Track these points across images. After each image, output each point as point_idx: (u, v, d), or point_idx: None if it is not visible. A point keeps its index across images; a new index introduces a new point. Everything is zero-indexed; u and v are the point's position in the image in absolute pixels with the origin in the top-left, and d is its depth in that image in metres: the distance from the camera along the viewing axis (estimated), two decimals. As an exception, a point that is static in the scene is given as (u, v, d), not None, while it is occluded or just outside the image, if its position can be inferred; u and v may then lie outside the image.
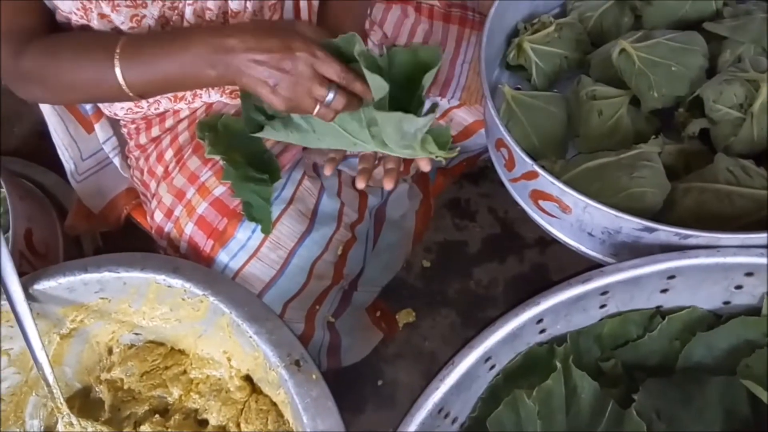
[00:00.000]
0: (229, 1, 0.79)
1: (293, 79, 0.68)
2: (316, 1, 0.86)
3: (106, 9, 0.74)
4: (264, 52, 0.68)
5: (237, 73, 0.70)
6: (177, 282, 0.74)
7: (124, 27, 0.76)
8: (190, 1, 0.77)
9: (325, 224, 0.83)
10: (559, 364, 0.64)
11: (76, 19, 0.76)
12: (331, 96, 0.69)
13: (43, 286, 0.76)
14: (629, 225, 0.66)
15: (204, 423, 0.82)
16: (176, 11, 0.78)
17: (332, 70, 0.69)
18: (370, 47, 0.95)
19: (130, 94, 0.74)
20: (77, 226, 1.03)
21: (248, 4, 0.80)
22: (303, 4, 0.85)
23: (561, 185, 0.67)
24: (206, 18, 0.79)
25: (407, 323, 1.09)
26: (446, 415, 0.63)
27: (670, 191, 0.70)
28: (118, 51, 0.72)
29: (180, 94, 0.86)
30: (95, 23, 0.76)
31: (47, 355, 0.75)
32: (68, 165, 0.96)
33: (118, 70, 0.72)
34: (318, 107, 0.70)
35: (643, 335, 0.68)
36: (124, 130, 0.93)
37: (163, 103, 0.86)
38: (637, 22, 0.89)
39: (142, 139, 0.90)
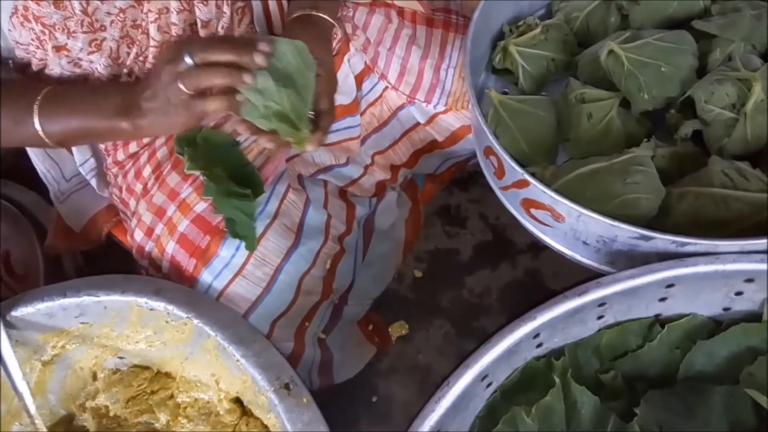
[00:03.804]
0: (197, 11, 0.77)
1: (158, 89, 0.69)
2: (287, 1, 0.84)
3: (62, 38, 0.72)
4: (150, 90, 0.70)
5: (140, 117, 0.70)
6: (159, 305, 0.72)
7: (83, 54, 0.75)
8: (153, 18, 0.75)
9: (312, 238, 0.81)
10: (557, 380, 0.63)
11: (33, 49, 0.74)
12: (187, 59, 0.66)
13: (21, 312, 0.74)
14: (625, 233, 0.64)
15: (193, 449, 0.80)
16: (140, 29, 0.76)
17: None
18: (352, 52, 0.93)
19: (49, 142, 0.74)
20: (58, 246, 1.01)
21: (215, 12, 0.78)
22: (272, 5, 0.83)
23: (553, 194, 0.66)
24: (173, 33, 0.77)
25: (400, 336, 1.07)
26: (443, 437, 0.61)
27: (665, 196, 0.69)
28: (38, 100, 0.72)
29: None
30: (51, 58, 0.74)
31: (28, 385, 0.73)
32: (51, 187, 0.94)
33: (36, 120, 0.72)
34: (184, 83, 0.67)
35: (643, 345, 0.66)
36: (102, 146, 0.91)
37: None
38: (624, 22, 0.88)
39: (120, 156, 0.88)
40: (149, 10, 0.76)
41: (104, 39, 0.75)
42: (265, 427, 0.77)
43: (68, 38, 0.73)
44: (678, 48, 0.77)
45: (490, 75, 0.92)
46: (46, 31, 0.72)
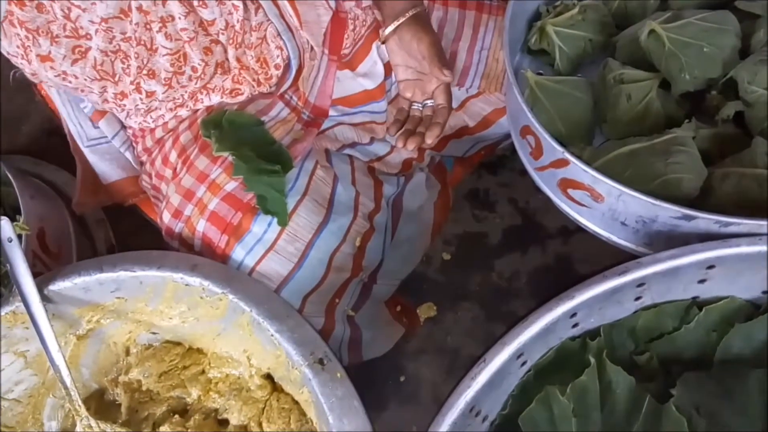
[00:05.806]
0: (200, 12, 0.76)
1: None
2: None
3: (45, 45, 0.71)
4: None
5: None
6: (195, 280, 0.72)
7: (66, 65, 0.72)
8: (158, 28, 0.73)
9: (342, 214, 0.81)
10: (593, 360, 0.62)
11: (20, 60, 0.73)
12: None
13: (58, 286, 0.75)
14: (666, 213, 0.63)
15: (225, 423, 0.81)
16: (137, 42, 0.74)
17: None
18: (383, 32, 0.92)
19: None
20: (86, 203, 0.99)
21: (218, 9, 0.76)
22: (282, 3, 0.81)
23: (594, 173, 0.65)
24: (184, 39, 0.76)
25: (428, 318, 1.07)
26: (477, 413, 0.61)
27: (707, 177, 0.68)
28: None
29: (179, 101, 0.84)
30: (35, 66, 0.73)
31: (64, 357, 0.73)
32: (76, 128, 0.92)
33: None
34: None
35: (679, 327, 0.66)
36: (129, 132, 0.91)
37: (167, 116, 0.85)
38: (663, 3, 0.86)
39: (148, 142, 0.89)
40: (151, 21, 0.73)
41: (89, 48, 0.72)
42: (296, 402, 0.77)
43: (51, 44, 0.71)
44: (721, 28, 0.75)
45: (524, 56, 0.91)
46: (30, 37, 0.70)
